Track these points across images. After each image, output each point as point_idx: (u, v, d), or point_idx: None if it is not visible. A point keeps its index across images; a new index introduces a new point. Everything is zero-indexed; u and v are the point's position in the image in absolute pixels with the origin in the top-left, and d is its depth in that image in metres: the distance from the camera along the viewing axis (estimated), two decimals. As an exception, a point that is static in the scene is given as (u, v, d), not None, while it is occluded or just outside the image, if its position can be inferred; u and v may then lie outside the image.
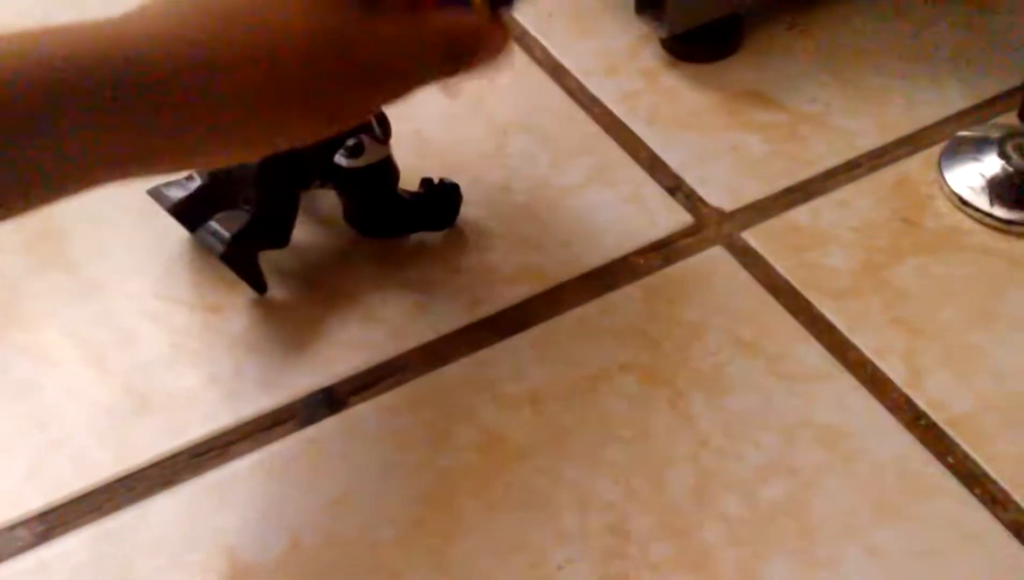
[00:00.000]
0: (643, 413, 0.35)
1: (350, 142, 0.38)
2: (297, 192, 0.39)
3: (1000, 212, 0.39)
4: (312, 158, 0.38)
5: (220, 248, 0.37)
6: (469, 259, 0.40)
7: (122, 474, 0.34)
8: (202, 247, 0.39)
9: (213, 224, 0.38)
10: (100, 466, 0.34)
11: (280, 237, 0.39)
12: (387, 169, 0.39)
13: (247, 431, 0.35)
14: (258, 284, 0.38)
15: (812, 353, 0.36)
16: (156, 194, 0.39)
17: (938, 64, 0.46)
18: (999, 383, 0.35)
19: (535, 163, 0.44)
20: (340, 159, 0.38)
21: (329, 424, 0.35)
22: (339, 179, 0.39)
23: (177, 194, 0.39)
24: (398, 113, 0.41)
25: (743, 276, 0.39)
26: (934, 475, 0.32)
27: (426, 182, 0.40)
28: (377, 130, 0.39)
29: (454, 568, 0.31)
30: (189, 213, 0.39)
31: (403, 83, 0.31)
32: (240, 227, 0.37)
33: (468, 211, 0.41)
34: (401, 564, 0.31)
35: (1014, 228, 0.39)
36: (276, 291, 0.39)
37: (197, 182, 0.39)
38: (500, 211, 0.42)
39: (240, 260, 0.38)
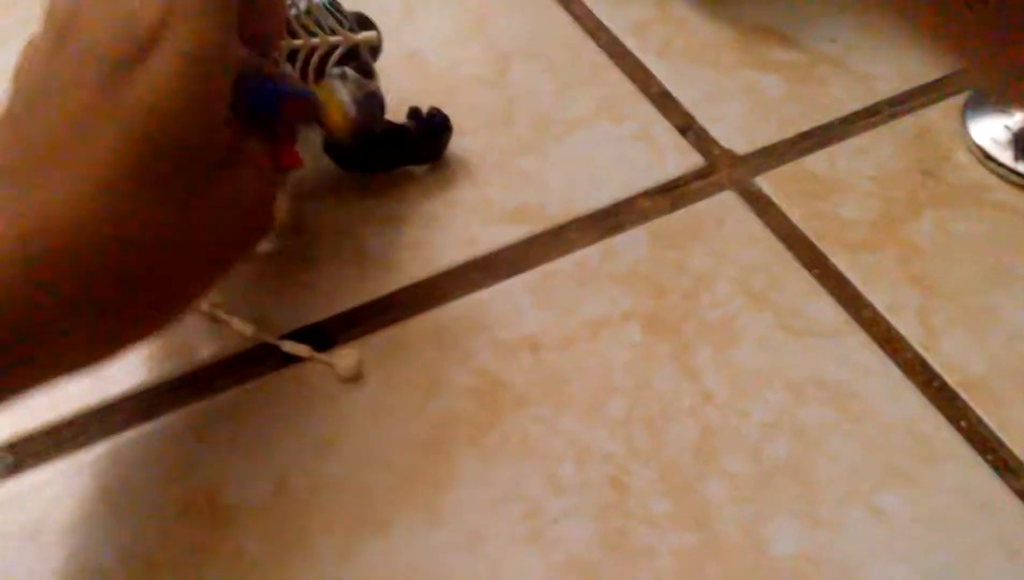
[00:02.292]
0: (646, 364, 0.33)
1: (336, 71, 0.35)
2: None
3: (1024, 168, 0.38)
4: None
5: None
6: (465, 193, 0.38)
7: (96, 406, 0.32)
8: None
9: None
10: (74, 396, 0.32)
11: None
12: (373, 104, 0.37)
13: (229, 366, 0.33)
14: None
15: (824, 308, 0.35)
16: None
17: (966, 7, 0.44)
18: (1015, 346, 0.34)
19: (538, 93, 0.41)
20: None
21: (318, 363, 0.33)
22: None
23: None
24: (390, 32, 0.38)
25: (755, 224, 0.37)
26: (945, 439, 0.31)
27: (414, 113, 0.38)
28: (366, 60, 0.36)
29: (446, 518, 0.30)
30: None
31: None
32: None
33: (465, 142, 0.39)
34: (391, 512, 0.30)
35: (1037, 185, 0.38)
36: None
37: None
38: (499, 143, 0.40)
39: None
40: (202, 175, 0.26)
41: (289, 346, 0.33)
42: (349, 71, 0.35)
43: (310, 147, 0.38)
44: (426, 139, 0.38)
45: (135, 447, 0.31)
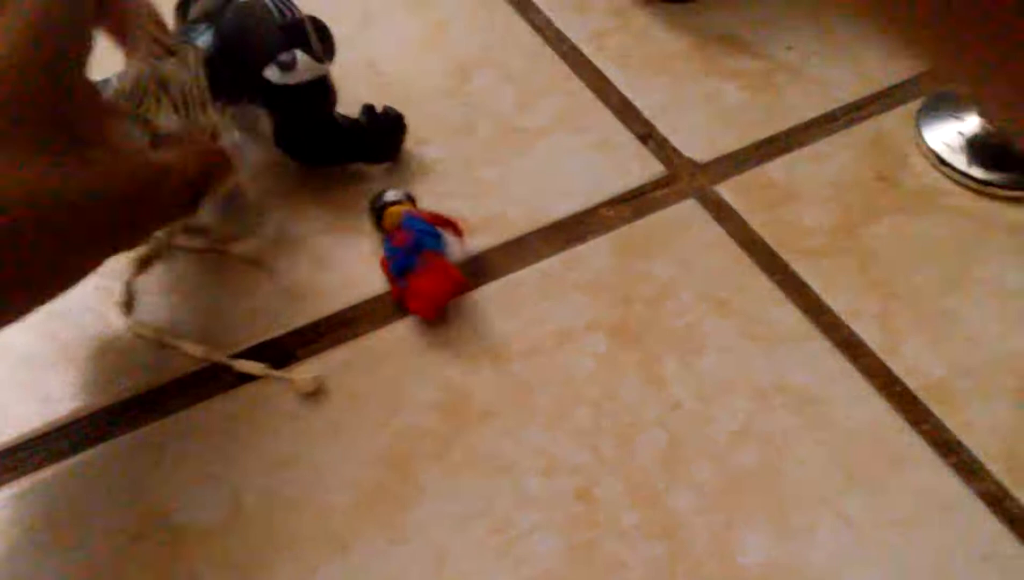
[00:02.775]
0: (612, 373, 0.33)
1: (284, 57, 0.34)
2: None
3: (978, 173, 0.38)
4: (241, 72, 0.35)
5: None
6: (426, 203, 0.37)
7: (44, 429, 0.31)
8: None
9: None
10: (20, 419, 0.31)
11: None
12: (322, 90, 0.36)
13: (181, 386, 0.32)
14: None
15: (786, 314, 0.35)
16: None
17: (918, 16, 0.45)
18: (973, 349, 0.34)
19: (498, 102, 0.41)
20: (271, 74, 0.35)
21: (275, 380, 0.32)
22: (269, 96, 0.35)
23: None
24: (348, 41, 0.38)
25: (716, 231, 0.37)
26: (908, 443, 0.32)
27: (368, 109, 0.37)
28: (316, 46, 0.35)
29: (410, 536, 0.29)
30: None
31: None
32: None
33: (426, 152, 0.39)
34: (351, 533, 0.29)
35: (991, 189, 0.38)
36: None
37: None
38: (460, 153, 0.39)
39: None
40: (63, 144, 0.25)
41: (243, 365, 0.32)
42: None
43: (262, 143, 0.37)
44: (379, 136, 0.37)
45: (83, 472, 0.30)
